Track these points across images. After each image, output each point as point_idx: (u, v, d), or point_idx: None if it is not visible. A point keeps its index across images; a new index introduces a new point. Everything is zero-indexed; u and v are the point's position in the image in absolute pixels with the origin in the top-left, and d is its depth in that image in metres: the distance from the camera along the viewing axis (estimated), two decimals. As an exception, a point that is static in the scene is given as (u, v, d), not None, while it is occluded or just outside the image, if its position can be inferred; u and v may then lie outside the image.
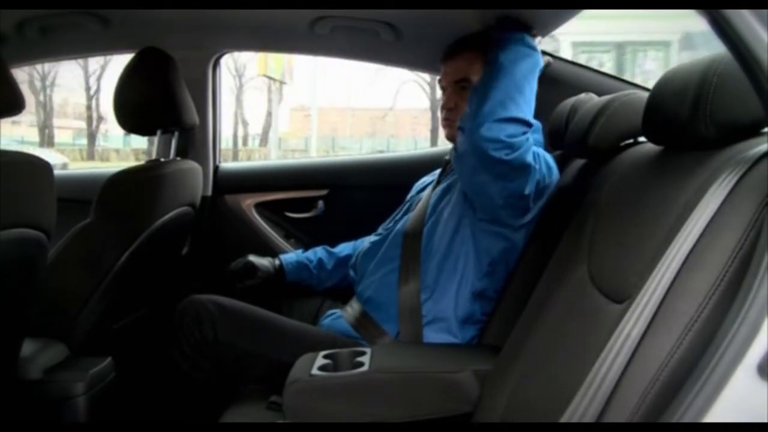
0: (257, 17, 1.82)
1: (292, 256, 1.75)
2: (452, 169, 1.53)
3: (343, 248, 1.75)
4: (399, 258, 1.47)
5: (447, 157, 1.61)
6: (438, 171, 1.68)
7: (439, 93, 1.62)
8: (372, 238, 1.63)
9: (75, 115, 15.35)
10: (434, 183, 1.61)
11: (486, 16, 1.58)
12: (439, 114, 1.59)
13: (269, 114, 13.74)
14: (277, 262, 1.72)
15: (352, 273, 1.64)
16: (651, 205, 0.87)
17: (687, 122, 0.83)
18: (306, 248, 1.79)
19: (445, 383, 1.18)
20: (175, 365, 1.40)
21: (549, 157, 1.38)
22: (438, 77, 1.57)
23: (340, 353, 1.25)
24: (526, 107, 1.26)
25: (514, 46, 1.29)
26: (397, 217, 1.61)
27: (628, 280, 0.83)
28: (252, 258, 1.71)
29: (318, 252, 1.75)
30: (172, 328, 1.41)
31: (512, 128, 1.24)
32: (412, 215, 1.54)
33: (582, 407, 0.77)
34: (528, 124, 1.26)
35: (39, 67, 12.31)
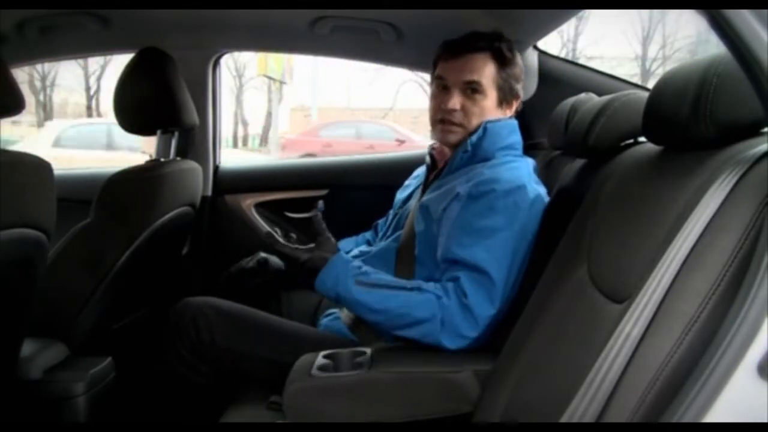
0: (257, 17, 1.82)
1: None
2: (442, 175, 1.46)
3: (346, 244, 1.75)
4: (393, 274, 1.43)
5: (428, 162, 1.56)
6: (419, 173, 1.65)
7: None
8: (363, 247, 1.62)
9: (75, 115, 15.33)
10: (420, 192, 1.54)
11: (486, 15, 1.58)
12: (430, 116, 1.47)
13: (269, 114, 13.74)
14: None
15: None
16: (651, 205, 0.87)
17: (687, 122, 0.83)
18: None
19: (445, 383, 1.18)
20: (173, 369, 1.39)
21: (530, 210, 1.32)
22: (435, 72, 1.47)
23: (340, 353, 1.25)
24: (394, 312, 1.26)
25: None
26: (388, 234, 1.58)
27: (628, 280, 0.83)
28: (264, 254, 1.70)
29: None
30: (168, 332, 1.40)
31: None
32: (404, 232, 1.50)
33: (582, 407, 0.77)
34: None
35: (39, 67, 12.32)
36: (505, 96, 1.44)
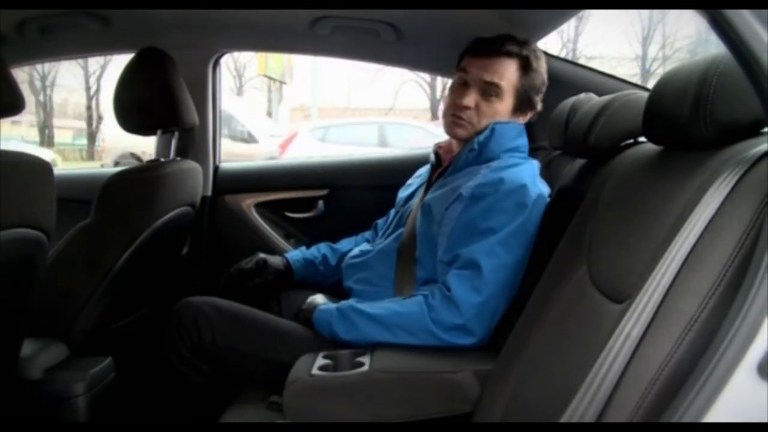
0: (257, 17, 1.82)
1: (297, 253, 1.74)
2: (446, 174, 1.47)
3: (345, 244, 1.74)
4: (393, 274, 1.45)
5: (432, 160, 1.56)
6: (422, 171, 1.65)
7: (439, 92, 1.55)
8: (364, 246, 1.62)
9: (75, 115, 15.37)
10: (423, 191, 1.55)
11: (486, 15, 1.58)
12: (444, 108, 1.48)
13: (269, 114, 13.74)
14: (283, 260, 1.71)
15: (345, 283, 1.58)
16: (651, 205, 0.87)
17: (687, 122, 0.83)
18: (307, 248, 1.79)
19: (445, 383, 1.18)
20: (173, 368, 1.39)
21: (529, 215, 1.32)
22: (460, 65, 1.47)
23: (340, 353, 1.25)
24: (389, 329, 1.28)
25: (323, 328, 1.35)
26: (389, 232, 1.58)
27: (628, 280, 0.83)
28: (263, 255, 1.70)
29: (321, 248, 1.74)
30: (169, 331, 1.40)
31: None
32: (405, 231, 1.50)
33: (582, 407, 0.77)
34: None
35: (39, 67, 12.36)
36: (521, 105, 1.45)
